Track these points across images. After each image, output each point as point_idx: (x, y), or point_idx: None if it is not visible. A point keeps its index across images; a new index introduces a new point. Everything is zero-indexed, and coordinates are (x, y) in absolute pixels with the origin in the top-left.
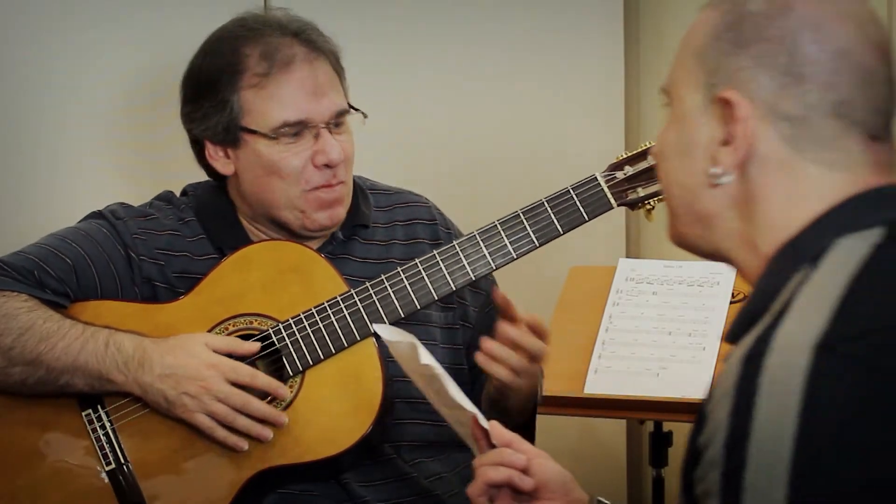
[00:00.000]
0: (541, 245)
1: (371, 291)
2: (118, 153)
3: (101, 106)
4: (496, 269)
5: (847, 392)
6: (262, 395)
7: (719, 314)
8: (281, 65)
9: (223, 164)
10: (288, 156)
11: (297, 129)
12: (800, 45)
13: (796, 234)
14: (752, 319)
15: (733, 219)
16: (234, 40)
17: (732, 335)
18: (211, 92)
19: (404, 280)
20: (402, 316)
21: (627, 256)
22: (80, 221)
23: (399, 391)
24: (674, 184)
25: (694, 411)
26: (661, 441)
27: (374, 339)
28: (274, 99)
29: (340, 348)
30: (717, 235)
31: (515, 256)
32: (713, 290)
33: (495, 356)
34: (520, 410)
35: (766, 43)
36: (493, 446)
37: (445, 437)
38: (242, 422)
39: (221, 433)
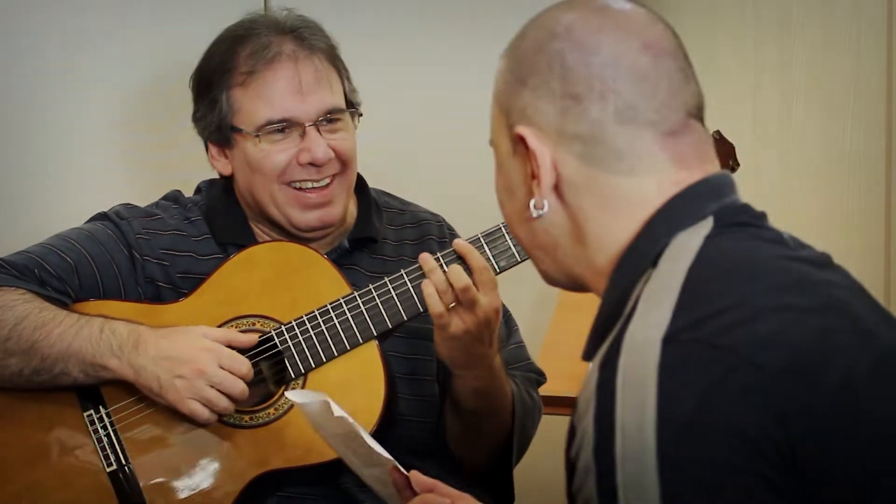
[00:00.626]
0: None
1: (374, 294)
2: (123, 154)
3: (106, 107)
4: (500, 272)
5: (696, 375)
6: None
7: None
8: (265, 62)
9: (222, 165)
10: (272, 153)
11: (282, 126)
12: (569, 67)
13: (628, 243)
14: (604, 333)
15: (571, 245)
16: (229, 40)
17: (588, 353)
18: (206, 92)
19: (408, 283)
20: (405, 319)
21: None
22: (84, 223)
23: (397, 390)
24: (514, 226)
25: None
26: None
27: (377, 342)
28: (260, 97)
29: (343, 351)
30: (566, 264)
31: (520, 260)
32: None
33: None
34: (472, 407)
35: (540, 74)
36: (415, 494)
37: (442, 441)
38: (225, 404)
39: (207, 417)
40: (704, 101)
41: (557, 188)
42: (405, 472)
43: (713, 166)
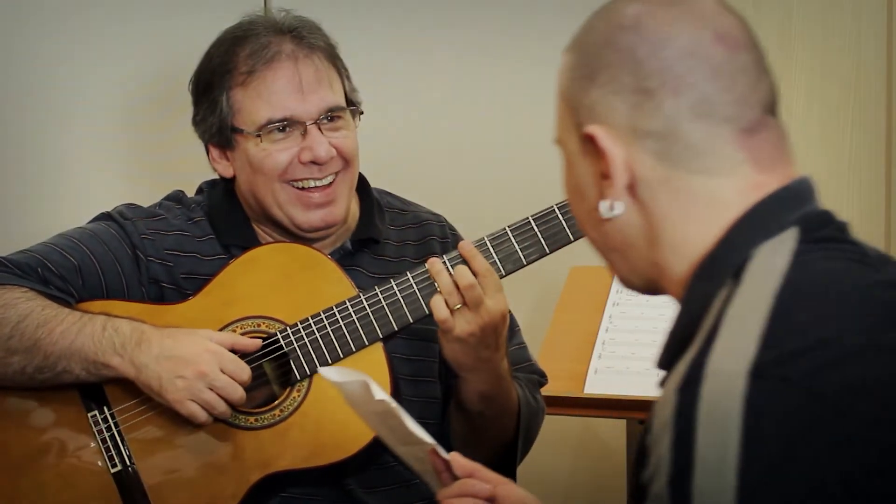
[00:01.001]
0: (551, 252)
1: (380, 296)
2: (125, 155)
3: (107, 107)
4: (506, 275)
5: (784, 418)
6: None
7: None
8: (265, 61)
9: (224, 167)
10: (273, 152)
11: (283, 125)
12: (640, 61)
13: (709, 250)
14: (681, 344)
15: (643, 248)
16: (227, 42)
17: (664, 362)
18: (206, 93)
19: (414, 285)
20: (411, 321)
21: None
22: (88, 223)
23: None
24: (585, 228)
25: None
26: None
27: (382, 343)
28: (260, 97)
29: (349, 352)
30: (640, 267)
31: (525, 263)
32: None
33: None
34: (478, 409)
35: (609, 69)
36: (455, 478)
37: (447, 442)
38: (222, 408)
39: (204, 419)
40: (779, 96)
41: (631, 188)
42: (446, 454)
43: (792, 167)
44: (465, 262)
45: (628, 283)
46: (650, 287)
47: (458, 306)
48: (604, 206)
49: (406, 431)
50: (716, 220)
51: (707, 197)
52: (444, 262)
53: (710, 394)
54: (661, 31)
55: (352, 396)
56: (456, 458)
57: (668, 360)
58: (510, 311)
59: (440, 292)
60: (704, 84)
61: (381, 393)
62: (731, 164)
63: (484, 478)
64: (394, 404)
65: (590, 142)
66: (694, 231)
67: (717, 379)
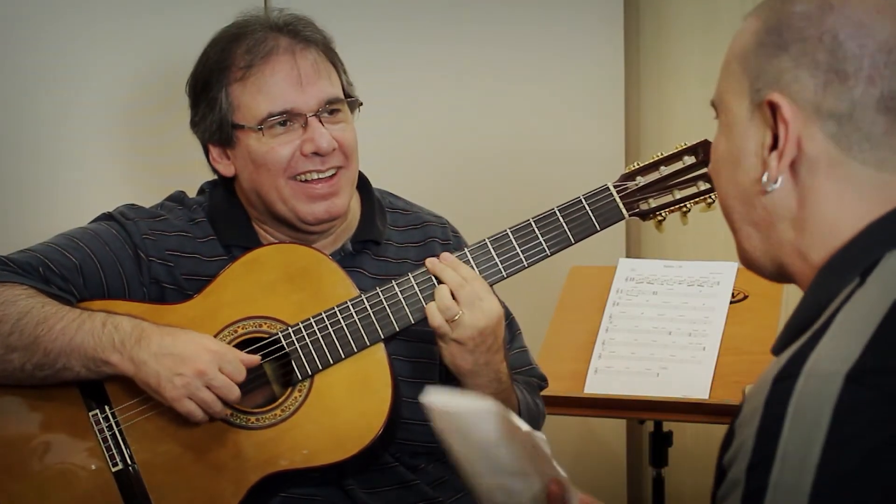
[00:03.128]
0: (552, 254)
1: (381, 297)
2: (125, 155)
3: (107, 107)
4: (507, 276)
5: (869, 427)
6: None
7: (719, 314)
8: (263, 56)
9: (224, 167)
10: (276, 147)
11: (284, 118)
12: (841, 42)
13: (846, 242)
14: (798, 334)
15: (786, 229)
16: (224, 40)
17: (778, 349)
18: (205, 92)
19: (415, 286)
20: (413, 321)
21: (627, 256)
22: (90, 222)
23: (402, 392)
24: (729, 196)
25: (694, 411)
26: (661, 441)
27: (383, 344)
28: (259, 91)
29: (350, 353)
30: (774, 247)
31: (527, 265)
32: (713, 290)
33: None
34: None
35: (806, 42)
36: None
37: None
38: (219, 408)
39: (200, 418)
40: None
41: (793, 165)
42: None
43: None
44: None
45: (755, 264)
46: (778, 271)
47: (458, 316)
48: (766, 178)
49: (545, 463)
50: (869, 214)
51: (870, 189)
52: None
53: (804, 390)
54: (866, 17)
55: (467, 426)
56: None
57: (781, 348)
58: (512, 315)
59: (434, 301)
60: (895, 80)
61: (525, 424)
62: None
63: None
64: (539, 435)
65: (768, 110)
66: (844, 220)
67: (814, 377)
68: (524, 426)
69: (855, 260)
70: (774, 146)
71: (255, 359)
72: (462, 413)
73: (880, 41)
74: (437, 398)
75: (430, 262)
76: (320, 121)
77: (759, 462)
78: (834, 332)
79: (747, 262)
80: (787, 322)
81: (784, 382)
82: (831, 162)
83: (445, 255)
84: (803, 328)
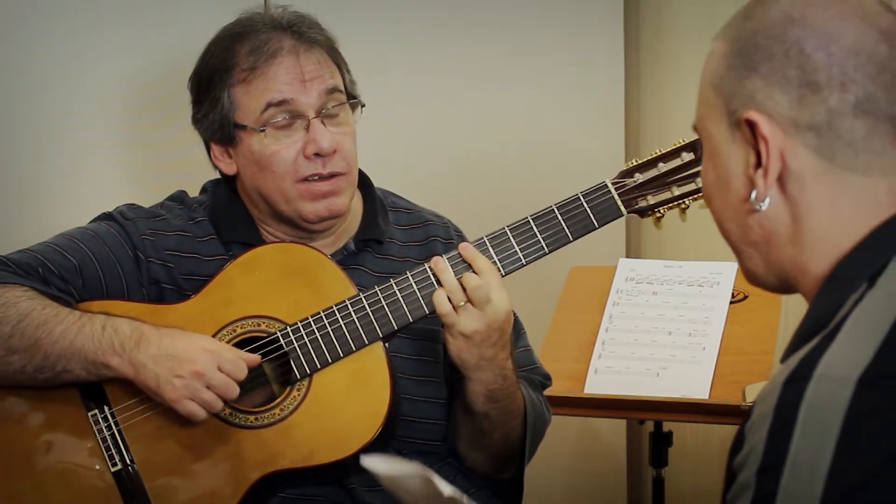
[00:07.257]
0: (550, 252)
1: (380, 296)
2: (125, 154)
3: (107, 107)
4: (505, 275)
5: (882, 431)
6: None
7: (719, 314)
8: (266, 57)
9: (226, 165)
10: (279, 149)
11: (284, 113)
12: (808, 55)
13: (849, 251)
14: (806, 342)
15: (785, 245)
16: (227, 39)
17: (786, 357)
18: (207, 91)
19: (413, 285)
20: (412, 320)
21: (627, 256)
22: (89, 222)
23: (403, 391)
24: (724, 219)
25: (694, 411)
26: (661, 441)
27: (383, 343)
28: (262, 93)
29: (349, 352)
30: (776, 263)
31: (525, 263)
32: (713, 290)
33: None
34: (483, 410)
35: (774, 60)
36: None
37: (452, 443)
38: (220, 407)
39: (202, 418)
40: None
41: (781, 181)
42: None
43: None
44: (465, 262)
45: (759, 280)
46: (783, 285)
47: (462, 303)
48: (752, 196)
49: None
50: (865, 221)
51: (860, 196)
52: (445, 261)
53: (816, 394)
54: (828, 25)
55: (400, 487)
56: None
57: (790, 355)
58: (515, 314)
59: (442, 287)
60: (868, 81)
61: (448, 487)
62: (889, 164)
63: None
64: (464, 498)
65: (747, 128)
66: (840, 230)
67: (826, 381)
68: (447, 489)
69: (861, 267)
70: (759, 164)
71: (256, 358)
72: (394, 475)
73: (847, 46)
74: (372, 462)
75: (464, 246)
76: (322, 122)
77: (770, 466)
78: (845, 336)
79: (752, 279)
80: (796, 331)
81: (795, 385)
82: (817, 174)
83: (465, 244)
84: (811, 337)
